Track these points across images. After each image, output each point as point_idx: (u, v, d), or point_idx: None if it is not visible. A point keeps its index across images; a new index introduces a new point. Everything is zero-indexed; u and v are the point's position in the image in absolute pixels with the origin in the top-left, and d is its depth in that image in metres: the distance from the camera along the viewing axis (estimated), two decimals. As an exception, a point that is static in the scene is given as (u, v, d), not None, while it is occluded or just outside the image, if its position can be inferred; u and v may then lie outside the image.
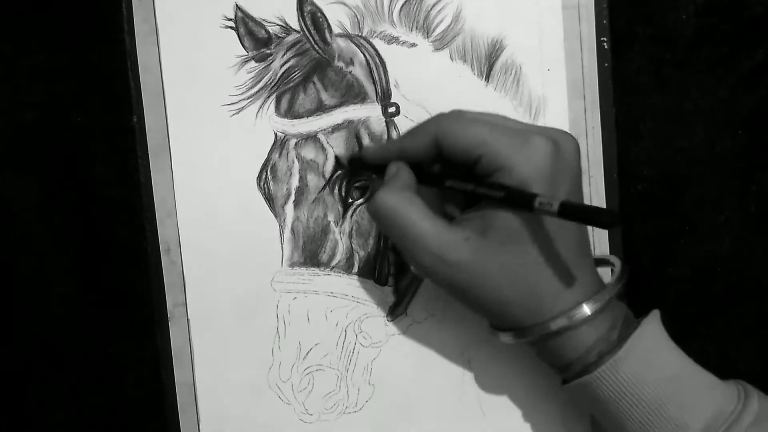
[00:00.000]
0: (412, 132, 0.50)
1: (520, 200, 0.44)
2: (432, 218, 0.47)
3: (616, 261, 0.51)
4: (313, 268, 0.55)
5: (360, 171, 0.55)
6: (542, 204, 0.42)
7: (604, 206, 0.55)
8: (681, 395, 0.46)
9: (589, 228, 0.51)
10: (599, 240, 0.56)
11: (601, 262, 0.53)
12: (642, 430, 0.46)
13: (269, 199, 0.55)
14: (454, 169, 0.48)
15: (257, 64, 0.54)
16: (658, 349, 0.47)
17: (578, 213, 0.42)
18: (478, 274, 0.46)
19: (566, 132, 0.47)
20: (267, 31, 0.54)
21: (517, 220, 0.45)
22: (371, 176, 0.55)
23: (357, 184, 0.55)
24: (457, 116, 0.48)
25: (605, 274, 0.53)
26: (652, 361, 0.46)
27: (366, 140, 0.55)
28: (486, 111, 0.48)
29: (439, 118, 0.48)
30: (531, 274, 0.46)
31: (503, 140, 0.45)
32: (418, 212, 0.47)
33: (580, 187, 0.48)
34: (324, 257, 0.55)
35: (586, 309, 0.46)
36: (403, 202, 0.47)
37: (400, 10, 0.54)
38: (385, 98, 0.55)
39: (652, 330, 0.47)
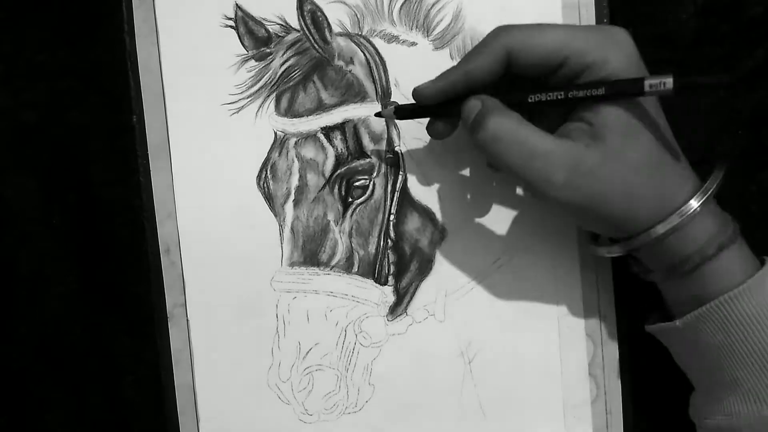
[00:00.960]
0: (475, 53, 0.46)
1: (628, 88, 0.43)
2: (549, 136, 0.45)
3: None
4: (312, 268, 0.55)
5: (411, 118, 0.51)
6: (653, 85, 0.41)
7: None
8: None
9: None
10: (599, 240, 0.56)
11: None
12: (762, 362, 0.44)
13: (269, 198, 0.55)
14: (529, 82, 0.46)
15: (257, 63, 0.54)
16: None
17: (695, 81, 0.41)
18: (612, 176, 0.44)
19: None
20: (267, 30, 0.54)
21: (628, 114, 0.44)
22: (380, 165, 0.55)
23: (357, 184, 0.55)
24: (521, 27, 0.45)
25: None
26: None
27: (366, 139, 0.55)
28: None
29: (503, 31, 0.46)
30: (656, 166, 0.45)
31: (586, 37, 0.44)
32: (534, 131, 0.45)
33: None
34: (324, 257, 0.55)
35: (694, 203, 0.45)
36: (517, 124, 0.45)
37: (400, 9, 0.54)
38: (385, 97, 0.55)
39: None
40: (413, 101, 0.49)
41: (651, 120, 0.45)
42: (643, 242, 0.46)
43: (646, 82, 0.41)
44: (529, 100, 0.46)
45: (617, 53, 0.44)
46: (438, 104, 0.48)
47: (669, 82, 0.41)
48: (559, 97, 0.45)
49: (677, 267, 0.47)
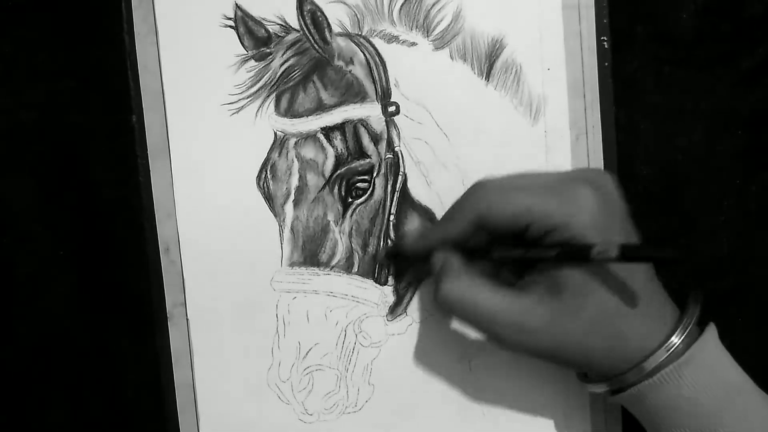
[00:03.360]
0: (449, 217, 0.50)
1: (576, 254, 0.44)
2: (500, 291, 0.47)
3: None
4: (312, 268, 0.55)
5: (399, 260, 0.55)
6: (600, 252, 0.42)
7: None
8: (741, 406, 0.46)
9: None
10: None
11: None
12: None
13: (269, 198, 0.55)
14: (498, 238, 0.48)
15: (257, 63, 0.54)
16: (720, 358, 0.47)
17: (639, 253, 0.42)
18: (560, 334, 0.46)
19: (601, 170, 0.49)
20: (267, 30, 0.54)
21: (583, 273, 0.45)
22: (379, 165, 0.55)
23: (357, 184, 0.55)
24: (492, 188, 0.48)
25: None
26: (714, 369, 0.46)
27: (366, 140, 0.55)
28: (517, 173, 0.49)
29: (475, 194, 0.48)
30: (614, 321, 0.46)
31: (550, 201, 0.45)
32: (483, 291, 0.47)
33: (629, 223, 0.48)
34: (324, 257, 0.55)
35: (675, 340, 0.46)
36: (465, 287, 0.47)
37: (400, 9, 0.54)
38: (385, 97, 0.55)
39: (712, 339, 0.47)
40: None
41: (610, 276, 0.45)
42: (625, 382, 0.47)
43: (594, 251, 0.42)
44: (495, 257, 0.49)
45: (578, 219, 0.45)
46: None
47: (614, 250, 0.41)
48: (519, 256, 0.47)
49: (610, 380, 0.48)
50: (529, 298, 0.46)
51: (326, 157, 0.55)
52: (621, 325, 0.46)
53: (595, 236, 0.44)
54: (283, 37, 0.54)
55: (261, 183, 0.55)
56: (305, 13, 0.54)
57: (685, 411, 0.46)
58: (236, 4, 0.54)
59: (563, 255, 0.44)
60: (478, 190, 0.48)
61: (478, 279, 0.48)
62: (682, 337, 0.46)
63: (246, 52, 0.54)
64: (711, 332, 0.47)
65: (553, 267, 0.46)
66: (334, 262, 0.56)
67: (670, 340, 0.46)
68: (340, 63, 0.54)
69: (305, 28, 0.54)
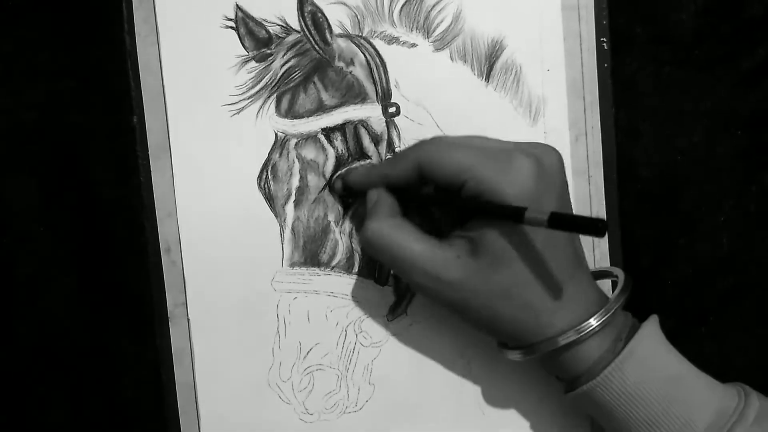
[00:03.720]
0: (394, 159, 0.51)
1: (510, 214, 0.44)
2: (422, 239, 0.48)
3: (619, 272, 0.51)
4: (313, 268, 0.55)
5: (341, 194, 0.55)
6: (531, 217, 0.42)
7: (603, 207, 0.55)
8: (685, 393, 0.46)
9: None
10: (597, 241, 0.56)
11: (604, 274, 0.53)
12: (648, 431, 0.47)
13: (269, 199, 0.55)
14: (441, 191, 0.49)
15: (257, 64, 0.54)
16: (659, 350, 0.47)
17: (567, 223, 0.42)
18: (471, 292, 0.47)
19: (548, 146, 0.48)
20: (267, 31, 0.54)
21: (505, 240, 0.45)
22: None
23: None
24: (438, 142, 0.48)
25: (605, 285, 0.53)
26: (654, 361, 0.47)
27: (366, 140, 0.55)
28: (468, 135, 0.49)
29: (421, 145, 0.49)
30: (524, 292, 0.46)
31: (486, 164, 0.45)
32: (407, 235, 0.48)
33: (568, 201, 0.49)
34: (324, 257, 0.56)
35: (593, 323, 0.47)
36: (391, 228, 0.48)
37: (401, 10, 0.54)
38: (385, 98, 0.55)
39: (652, 332, 0.47)
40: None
41: (531, 250, 0.46)
42: (538, 351, 0.48)
43: (526, 213, 0.43)
44: (431, 205, 0.50)
45: (510, 187, 0.45)
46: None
47: (545, 217, 0.42)
48: (453, 205, 0.49)
49: (572, 384, 0.49)
50: (450, 251, 0.47)
51: (327, 158, 0.55)
52: (532, 297, 0.46)
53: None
54: (284, 38, 0.54)
55: (262, 183, 0.55)
56: (306, 14, 0.54)
57: (632, 403, 0.46)
58: (237, 5, 0.54)
59: (498, 212, 0.45)
60: (426, 141, 0.49)
61: (406, 224, 0.49)
62: (600, 321, 0.46)
63: (247, 53, 0.54)
64: (651, 325, 0.48)
65: (483, 227, 0.46)
66: (334, 263, 0.56)
67: (587, 322, 0.47)
68: (341, 64, 0.54)
69: (306, 29, 0.54)
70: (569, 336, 0.47)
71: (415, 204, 0.51)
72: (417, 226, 0.49)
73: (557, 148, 0.52)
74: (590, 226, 0.41)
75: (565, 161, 0.54)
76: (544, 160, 0.46)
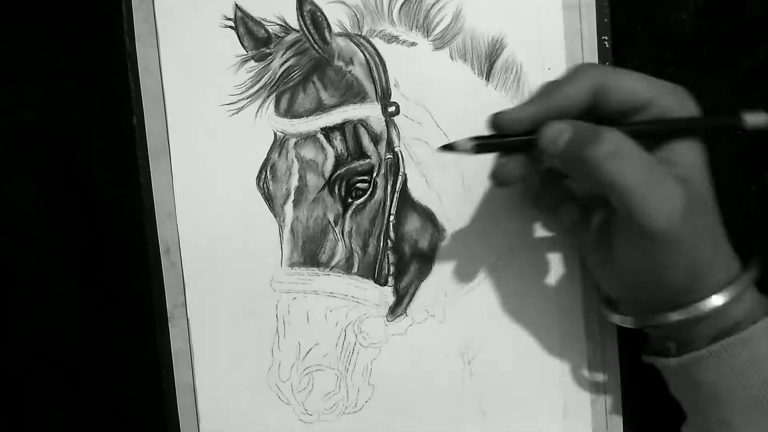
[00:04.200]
0: (563, 84, 0.45)
1: (726, 121, 0.45)
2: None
3: None
4: (312, 268, 0.55)
5: (491, 151, 0.47)
6: (749, 117, 0.43)
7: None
8: None
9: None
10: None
11: None
12: (753, 408, 0.45)
13: (269, 198, 0.55)
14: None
15: (257, 64, 0.54)
16: None
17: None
18: (690, 224, 0.43)
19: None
20: (266, 31, 0.54)
21: (704, 158, 0.45)
22: (379, 165, 0.55)
23: (357, 184, 0.55)
24: (609, 67, 0.49)
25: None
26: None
27: (366, 140, 0.55)
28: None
29: (593, 67, 0.48)
30: (721, 237, 0.46)
31: (665, 89, 0.45)
32: (634, 146, 0.43)
33: None
34: (323, 257, 0.55)
35: (747, 278, 0.46)
36: (629, 142, 0.43)
37: (400, 9, 0.54)
38: (384, 97, 0.55)
39: None
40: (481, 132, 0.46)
41: (711, 199, 0.46)
42: (676, 319, 0.46)
43: (742, 114, 0.42)
44: (628, 128, 0.44)
45: (690, 108, 0.45)
46: (519, 136, 0.45)
47: (765, 118, 0.41)
48: (665, 129, 0.45)
49: (695, 342, 0.47)
50: (671, 174, 0.43)
51: (326, 158, 0.55)
52: (721, 243, 0.46)
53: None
54: (283, 37, 0.54)
55: (261, 183, 0.55)
56: (305, 13, 0.54)
57: (749, 380, 0.45)
58: (236, 5, 0.54)
59: (713, 122, 0.45)
60: (591, 65, 0.49)
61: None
62: (748, 280, 0.46)
63: (246, 53, 0.54)
64: None
65: (675, 150, 0.44)
66: (334, 263, 0.56)
67: (740, 279, 0.45)
68: (340, 63, 0.54)
69: (305, 29, 0.54)
70: (732, 290, 0.45)
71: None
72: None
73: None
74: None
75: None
76: None
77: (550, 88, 0.46)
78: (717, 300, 0.45)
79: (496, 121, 0.46)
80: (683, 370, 0.47)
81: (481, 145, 0.46)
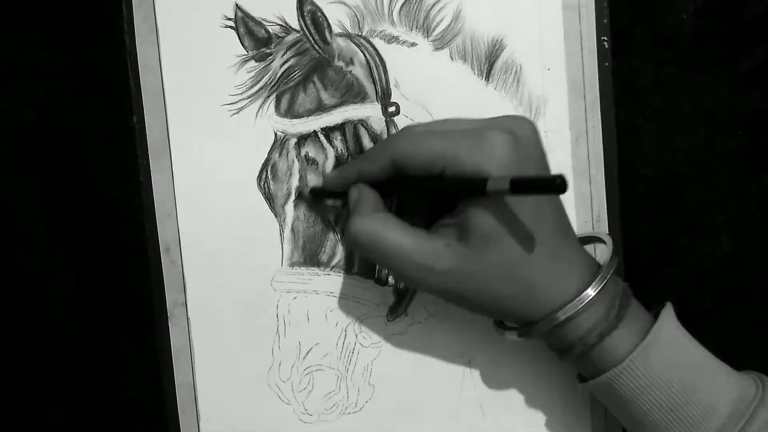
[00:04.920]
0: (368, 155, 0.51)
1: (472, 186, 0.44)
2: (410, 231, 0.47)
3: (606, 237, 0.51)
4: (313, 268, 0.55)
5: (324, 199, 0.55)
6: (493, 185, 0.42)
7: (605, 206, 0.55)
8: (707, 379, 0.46)
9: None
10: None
11: (590, 239, 0.53)
12: (669, 418, 0.46)
13: (269, 198, 0.55)
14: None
15: (257, 64, 0.54)
16: (680, 336, 0.47)
17: (528, 185, 0.41)
18: (467, 278, 0.46)
19: (521, 117, 0.47)
20: (267, 31, 0.54)
21: (491, 218, 0.44)
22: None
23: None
24: (408, 134, 0.48)
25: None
26: (677, 347, 0.47)
27: (366, 140, 0.55)
28: (438, 120, 0.50)
29: (392, 139, 0.49)
30: (521, 269, 0.46)
31: (460, 145, 0.45)
32: (394, 229, 0.47)
33: (548, 170, 0.47)
34: (324, 257, 0.55)
35: (590, 292, 0.46)
36: (376, 224, 0.47)
37: (400, 9, 0.54)
38: (385, 98, 0.55)
39: (672, 318, 0.47)
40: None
41: (520, 226, 0.45)
42: (537, 331, 0.47)
43: (488, 183, 0.42)
44: (403, 194, 0.50)
45: (491, 163, 0.44)
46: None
47: (506, 183, 0.41)
48: (421, 192, 0.48)
49: (564, 352, 0.48)
50: (439, 240, 0.46)
51: (326, 158, 0.55)
52: (526, 272, 0.46)
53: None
54: (284, 37, 0.54)
55: (261, 183, 0.55)
56: (305, 13, 0.54)
57: (656, 391, 0.46)
58: (236, 5, 0.54)
59: (462, 189, 0.45)
60: (398, 133, 0.49)
61: (391, 218, 0.48)
62: (597, 290, 0.46)
63: (246, 53, 0.54)
64: (669, 310, 0.48)
65: (468, 210, 0.45)
66: (334, 262, 0.56)
67: (585, 293, 0.46)
68: (340, 63, 0.54)
69: (305, 29, 0.54)
70: (568, 310, 0.46)
71: (388, 194, 0.50)
72: (401, 219, 0.48)
73: (558, 148, 0.52)
74: (550, 184, 0.40)
75: (565, 161, 0.54)
76: (519, 133, 0.45)
77: (360, 159, 0.51)
78: (557, 318, 0.46)
79: (323, 180, 0.55)
80: (597, 389, 0.49)
81: (316, 194, 0.55)
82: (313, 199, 0.55)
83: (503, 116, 0.48)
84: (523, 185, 0.41)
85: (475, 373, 0.56)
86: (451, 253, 0.46)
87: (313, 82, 0.54)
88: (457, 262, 0.46)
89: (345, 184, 0.51)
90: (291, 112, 0.55)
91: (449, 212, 0.48)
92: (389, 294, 0.56)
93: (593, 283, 0.46)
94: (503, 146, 0.44)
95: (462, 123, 0.48)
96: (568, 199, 0.55)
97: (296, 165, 0.55)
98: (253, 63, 0.54)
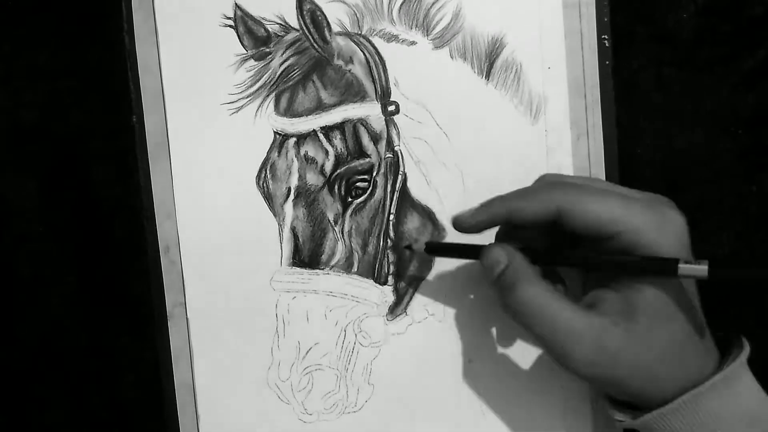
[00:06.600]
0: (526, 194, 0.46)
1: (663, 268, 0.42)
2: (575, 307, 0.44)
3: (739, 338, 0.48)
4: (312, 268, 0.55)
5: (438, 256, 0.53)
6: (688, 271, 0.41)
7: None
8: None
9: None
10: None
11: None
12: None
13: (268, 198, 0.55)
14: (563, 242, 0.46)
15: (256, 63, 0.54)
16: (741, 386, 0.45)
17: (732, 273, 0.40)
18: (636, 358, 0.44)
19: (668, 200, 0.46)
20: (266, 30, 0.54)
21: (664, 296, 0.43)
22: (379, 164, 0.55)
23: (357, 184, 0.55)
24: (576, 186, 0.45)
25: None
26: (733, 397, 0.44)
27: (365, 139, 0.55)
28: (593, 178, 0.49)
29: (559, 187, 0.46)
30: (682, 348, 0.44)
31: (641, 216, 0.43)
32: (562, 305, 0.44)
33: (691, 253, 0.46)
34: (323, 257, 0.55)
35: (718, 378, 0.44)
36: (544, 296, 0.44)
37: (400, 8, 0.54)
38: (384, 97, 0.55)
39: (737, 367, 0.45)
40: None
41: (686, 303, 0.44)
42: (659, 415, 0.45)
43: (681, 265, 0.41)
44: (571, 259, 0.46)
45: (670, 237, 0.43)
46: (467, 246, 0.49)
47: (704, 267, 0.40)
48: (604, 266, 0.45)
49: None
50: (606, 317, 0.44)
51: (326, 157, 0.55)
52: (687, 354, 0.44)
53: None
54: (283, 36, 0.54)
55: (261, 182, 0.55)
56: (305, 12, 0.54)
57: None
58: (236, 4, 0.54)
59: (648, 264, 0.42)
60: (559, 184, 0.46)
61: (552, 288, 0.45)
62: (723, 374, 0.44)
63: (245, 52, 0.54)
64: (741, 360, 0.45)
65: (636, 287, 0.43)
66: (333, 262, 0.56)
67: (716, 376, 0.44)
68: (340, 62, 0.54)
69: (305, 28, 0.54)
70: (709, 386, 0.43)
71: (543, 262, 0.47)
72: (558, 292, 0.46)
73: (558, 147, 0.52)
74: (759, 274, 0.39)
75: (566, 160, 0.54)
76: (681, 213, 0.44)
77: (512, 196, 0.47)
78: (701, 393, 0.44)
79: (455, 221, 0.49)
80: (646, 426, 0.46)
81: (432, 250, 0.52)
82: (428, 253, 0.52)
83: (653, 195, 0.46)
84: (726, 272, 0.40)
85: (476, 373, 0.56)
86: (620, 331, 0.43)
87: (313, 81, 0.54)
88: (625, 343, 0.43)
89: (489, 221, 0.47)
90: (290, 111, 0.55)
91: (595, 286, 0.46)
92: (389, 294, 0.56)
93: (724, 368, 0.44)
94: (682, 226, 0.44)
95: (619, 188, 0.46)
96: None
97: (295, 164, 0.55)
98: (252, 62, 0.54)
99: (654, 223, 0.43)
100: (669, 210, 0.44)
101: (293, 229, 0.55)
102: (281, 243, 0.55)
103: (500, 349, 0.56)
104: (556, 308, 0.44)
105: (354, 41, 0.54)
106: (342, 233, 0.55)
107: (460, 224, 0.48)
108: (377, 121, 0.55)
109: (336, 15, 0.54)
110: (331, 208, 0.55)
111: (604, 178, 0.55)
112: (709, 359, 0.45)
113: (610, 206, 0.43)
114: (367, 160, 0.55)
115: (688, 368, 0.44)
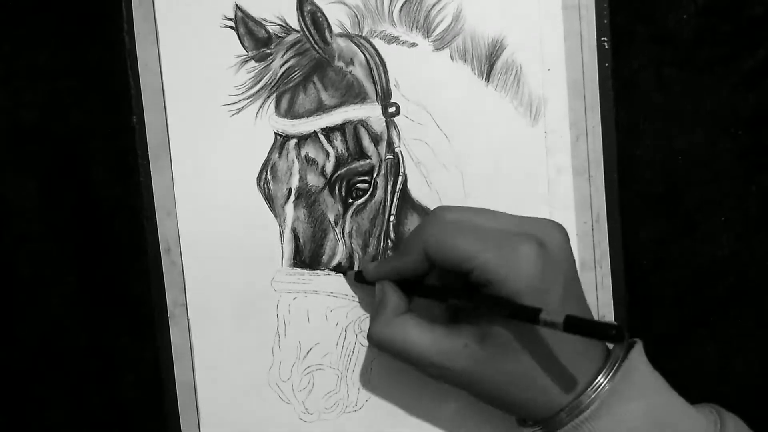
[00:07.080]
0: (402, 251, 0.51)
1: (524, 315, 0.43)
2: (428, 330, 0.48)
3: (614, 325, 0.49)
4: (313, 268, 0.55)
5: (353, 284, 0.56)
6: (546, 320, 0.42)
7: (604, 207, 0.55)
8: (663, 425, 0.46)
9: (586, 236, 0.51)
10: (598, 241, 0.55)
11: (596, 327, 0.51)
12: None
13: (269, 199, 0.55)
14: (447, 274, 0.49)
15: (257, 64, 0.54)
16: (645, 382, 0.46)
17: (583, 328, 0.41)
18: (480, 379, 0.47)
19: (553, 223, 0.48)
20: (267, 31, 0.54)
21: (513, 331, 0.45)
22: (380, 166, 0.55)
23: (357, 185, 0.55)
24: (442, 225, 0.48)
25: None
26: (643, 393, 0.46)
27: (366, 140, 0.55)
28: (474, 209, 0.49)
29: (425, 228, 0.49)
30: (532, 378, 0.46)
31: (491, 253, 0.45)
32: (412, 330, 0.49)
33: (577, 282, 0.48)
34: (324, 257, 0.55)
35: (602, 380, 0.46)
36: (395, 330, 0.49)
37: (401, 9, 0.54)
38: (385, 98, 0.55)
39: (639, 365, 0.46)
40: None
41: (538, 339, 0.45)
42: (563, 425, 0.46)
43: (540, 316, 0.42)
44: (448, 302, 0.49)
45: (515, 279, 0.44)
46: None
47: (560, 320, 0.41)
48: (469, 306, 0.48)
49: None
50: (457, 340, 0.47)
51: (327, 158, 0.55)
52: (540, 379, 0.46)
53: (530, 299, 0.44)
54: (284, 37, 0.54)
55: (261, 183, 0.55)
56: (305, 13, 0.54)
57: None
58: (236, 5, 0.54)
59: (512, 313, 0.44)
60: (431, 220, 0.49)
61: (408, 319, 0.49)
62: (608, 378, 0.46)
63: (246, 53, 0.54)
64: (637, 354, 0.47)
65: (491, 318, 0.46)
66: (334, 262, 0.56)
67: (596, 381, 0.46)
68: (341, 64, 0.54)
69: (305, 29, 0.54)
70: (587, 397, 0.45)
71: (428, 296, 0.51)
72: (422, 317, 0.49)
73: (558, 148, 0.52)
74: (605, 332, 0.40)
75: (565, 161, 0.54)
76: (549, 242, 0.46)
77: (395, 255, 0.52)
78: (580, 412, 0.46)
79: (362, 271, 0.53)
80: None
81: (360, 279, 0.54)
82: (356, 281, 0.55)
83: (536, 219, 0.48)
84: (577, 326, 0.41)
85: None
86: (467, 355, 0.47)
87: (314, 83, 0.54)
88: (472, 364, 0.47)
89: (382, 278, 0.52)
90: (291, 113, 0.55)
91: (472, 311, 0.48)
92: (389, 294, 0.56)
93: (603, 372, 0.46)
94: (532, 262, 0.44)
95: (499, 219, 0.48)
96: (567, 199, 0.55)
97: (296, 165, 0.55)
98: (253, 63, 0.54)
99: (502, 260, 0.45)
100: (521, 245, 0.45)
101: (294, 230, 0.55)
102: (282, 244, 0.55)
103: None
104: (407, 337, 0.48)
105: (355, 43, 0.54)
106: (343, 234, 0.55)
107: (365, 274, 0.53)
108: (378, 123, 0.55)
109: (337, 16, 0.54)
110: (331, 209, 0.55)
111: (603, 178, 0.55)
112: (583, 366, 0.46)
113: (463, 245, 0.46)
114: (368, 161, 0.55)
115: (549, 389, 0.46)
